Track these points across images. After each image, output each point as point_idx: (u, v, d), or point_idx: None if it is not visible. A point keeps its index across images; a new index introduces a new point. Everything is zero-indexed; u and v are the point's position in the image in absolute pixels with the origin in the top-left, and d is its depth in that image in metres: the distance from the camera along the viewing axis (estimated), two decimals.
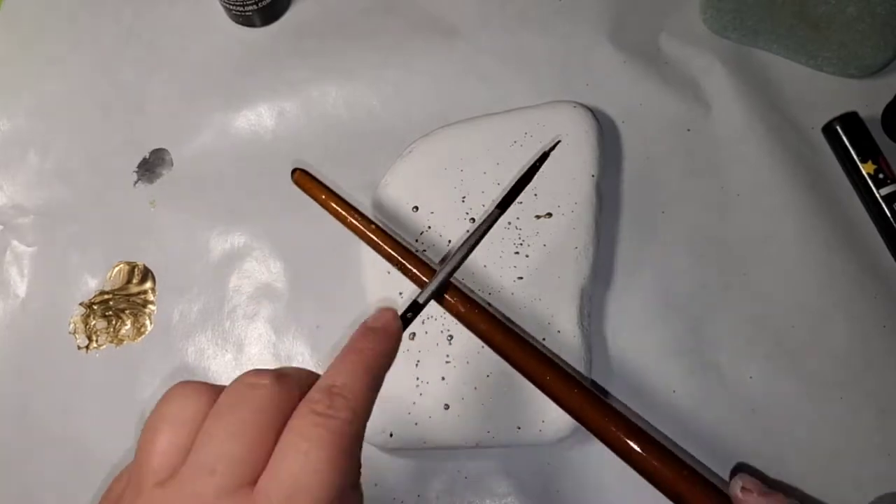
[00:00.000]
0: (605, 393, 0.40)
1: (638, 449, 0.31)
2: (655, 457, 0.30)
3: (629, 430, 0.31)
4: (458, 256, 0.32)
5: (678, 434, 0.39)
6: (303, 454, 0.20)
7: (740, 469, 0.38)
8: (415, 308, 0.29)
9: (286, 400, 0.21)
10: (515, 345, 0.33)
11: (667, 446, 0.31)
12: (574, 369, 0.37)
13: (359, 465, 0.23)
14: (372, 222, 0.38)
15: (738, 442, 0.39)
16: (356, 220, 0.38)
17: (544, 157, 0.35)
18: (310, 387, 0.22)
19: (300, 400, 0.21)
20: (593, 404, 0.32)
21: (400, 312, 0.28)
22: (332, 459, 0.20)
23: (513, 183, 0.34)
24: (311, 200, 0.46)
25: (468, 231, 0.34)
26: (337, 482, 0.20)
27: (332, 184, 0.41)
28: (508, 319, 0.38)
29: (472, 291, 0.40)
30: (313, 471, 0.19)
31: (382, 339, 0.25)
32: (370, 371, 0.23)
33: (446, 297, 0.34)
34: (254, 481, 0.20)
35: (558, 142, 0.38)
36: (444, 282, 0.32)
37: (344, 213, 0.39)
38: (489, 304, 0.38)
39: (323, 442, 0.20)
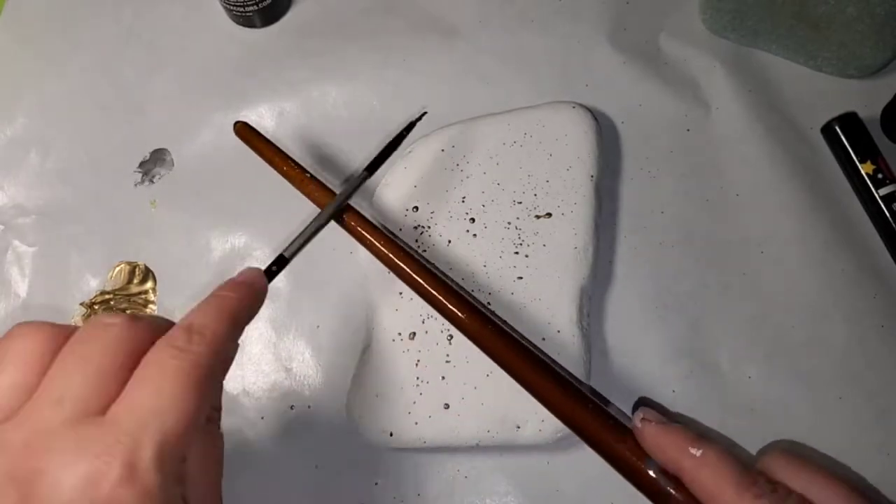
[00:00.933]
0: (602, 397, 0.40)
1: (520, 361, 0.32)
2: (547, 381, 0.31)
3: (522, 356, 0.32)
4: (326, 215, 0.34)
5: None
6: (156, 383, 0.20)
7: (642, 403, 0.39)
8: (280, 262, 0.30)
9: (140, 339, 0.21)
10: (431, 284, 0.34)
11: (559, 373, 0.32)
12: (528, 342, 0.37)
13: (217, 405, 0.23)
14: (307, 172, 0.39)
15: (738, 442, 0.39)
16: (292, 169, 0.39)
17: (411, 125, 0.38)
18: (166, 332, 0.22)
19: (154, 343, 0.22)
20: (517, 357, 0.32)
21: (264, 267, 0.29)
22: (187, 390, 0.20)
23: (381, 149, 0.37)
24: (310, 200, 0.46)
25: (337, 192, 0.36)
26: (190, 413, 0.20)
27: (330, 182, 0.41)
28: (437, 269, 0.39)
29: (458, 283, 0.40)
30: (166, 399, 0.19)
31: (245, 290, 0.26)
32: (230, 315, 0.24)
33: (368, 236, 0.36)
34: (105, 408, 0.19)
35: (425, 113, 0.40)
36: (309, 237, 0.33)
37: (281, 163, 0.39)
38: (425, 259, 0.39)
39: (178, 372, 0.20)
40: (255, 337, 0.44)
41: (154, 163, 0.48)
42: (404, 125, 0.38)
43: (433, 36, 0.48)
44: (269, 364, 0.43)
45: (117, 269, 0.46)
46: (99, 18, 0.51)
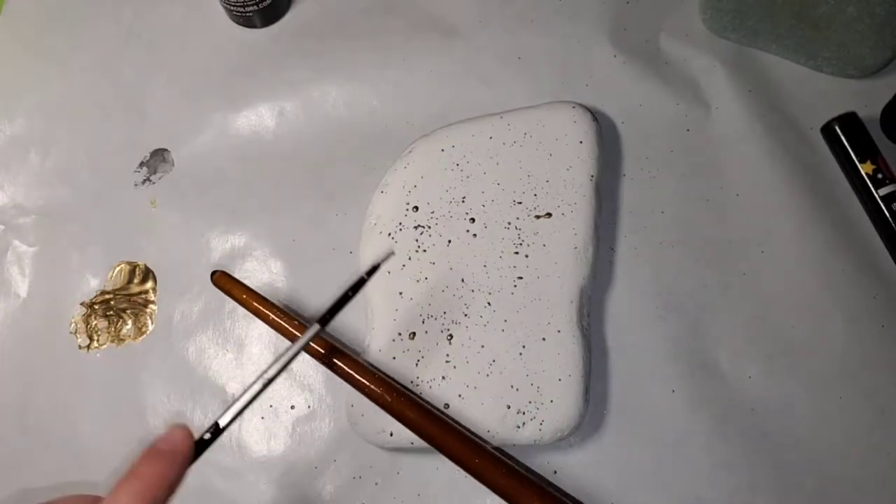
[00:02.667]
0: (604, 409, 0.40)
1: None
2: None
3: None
4: (263, 380, 0.29)
5: (678, 434, 0.39)
6: None
7: None
8: (215, 431, 0.27)
9: None
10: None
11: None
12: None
13: None
14: (294, 320, 0.39)
15: (738, 442, 0.39)
16: (279, 318, 0.39)
17: (374, 269, 0.33)
18: None
19: None
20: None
21: (198, 436, 0.26)
22: None
23: (336, 298, 0.32)
24: (311, 199, 0.46)
25: (284, 351, 0.30)
26: None
27: (326, 190, 0.41)
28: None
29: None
30: None
31: (167, 464, 0.24)
32: (146, 497, 0.23)
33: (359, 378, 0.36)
34: None
35: (392, 254, 0.35)
36: (247, 404, 0.28)
37: (266, 311, 0.39)
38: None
39: None
40: (255, 337, 0.44)
41: (154, 163, 0.48)
42: (368, 268, 0.33)
43: (433, 36, 0.48)
44: (268, 364, 0.43)
45: (117, 268, 0.46)
46: (99, 18, 0.51)
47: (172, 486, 0.24)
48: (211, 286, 0.45)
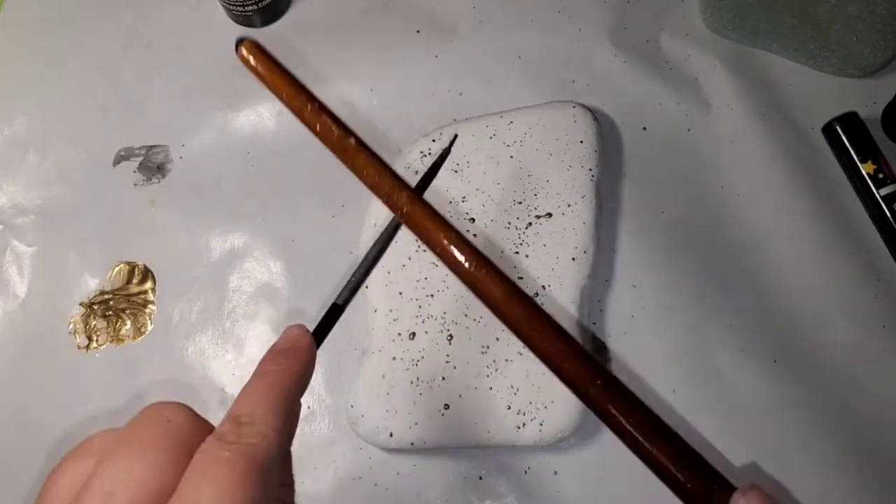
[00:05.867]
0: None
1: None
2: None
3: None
4: (377, 248, 0.29)
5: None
6: (210, 478, 0.19)
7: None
8: (333, 313, 0.27)
9: (196, 427, 0.21)
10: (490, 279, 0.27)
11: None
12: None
13: (286, 485, 0.22)
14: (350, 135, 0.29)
15: (738, 442, 0.39)
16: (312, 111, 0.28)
17: (446, 152, 0.32)
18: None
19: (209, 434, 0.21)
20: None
21: (314, 326, 0.26)
22: (241, 484, 0.19)
23: (423, 174, 0.31)
24: (311, 199, 0.46)
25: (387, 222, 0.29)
26: None
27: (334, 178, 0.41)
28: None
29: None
30: (222, 496, 0.18)
31: (291, 359, 0.24)
32: (279, 394, 0.22)
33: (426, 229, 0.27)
34: None
35: (455, 136, 0.36)
36: (361, 279, 0.28)
37: (299, 102, 0.28)
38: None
39: (231, 466, 0.19)
40: (255, 337, 0.44)
41: (153, 163, 0.47)
42: (446, 145, 0.32)
43: (433, 36, 0.48)
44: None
45: (117, 269, 0.46)
46: (98, 19, 0.51)
47: (301, 379, 0.24)
48: (210, 286, 0.45)
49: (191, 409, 0.22)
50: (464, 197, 0.42)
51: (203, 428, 0.21)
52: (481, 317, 0.39)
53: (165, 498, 0.19)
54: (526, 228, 0.41)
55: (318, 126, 0.27)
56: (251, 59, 0.28)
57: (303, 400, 0.42)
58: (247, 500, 0.19)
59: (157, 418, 0.21)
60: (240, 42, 0.27)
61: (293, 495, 0.23)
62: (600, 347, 0.41)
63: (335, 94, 0.48)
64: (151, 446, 0.20)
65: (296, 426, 0.23)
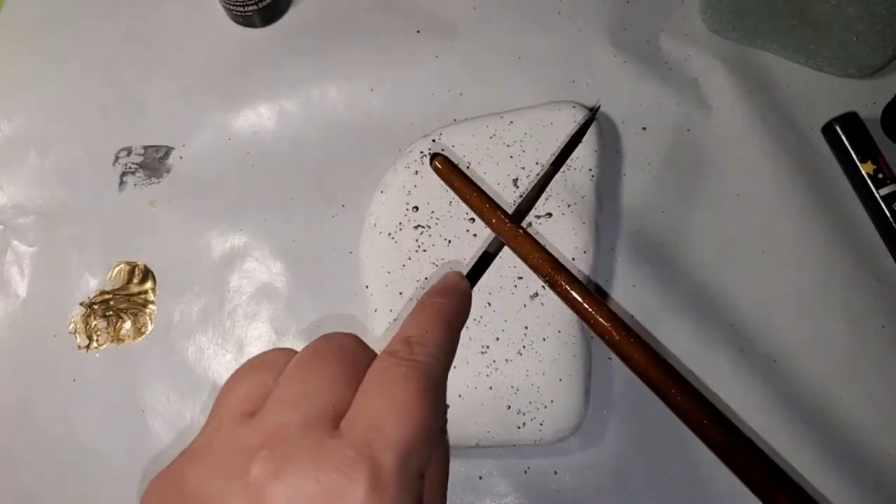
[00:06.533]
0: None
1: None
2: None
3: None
4: (528, 198, 0.33)
5: (678, 434, 0.39)
6: (388, 392, 0.19)
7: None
8: (484, 259, 0.30)
9: (365, 352, 0.22)
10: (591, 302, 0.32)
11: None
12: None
13: (443, 412, 0.23)
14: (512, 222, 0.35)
15: None
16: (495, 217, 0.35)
17: (588, 122, 0.36)
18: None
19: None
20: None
21: (466, 272, 0.28)
22: (419, 399, 0.20)
23: (563, 145, 0.36)
24: (311, 199, 0.46)
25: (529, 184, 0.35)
26: (424, 420, 0.19)
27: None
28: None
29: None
30: (401, 408, 0.19)
31: (453, 295, 0.25)
32: (445, 320, 0.24)
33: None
34: (337, 419, 0.19)
35: (599, 107, 0.38)
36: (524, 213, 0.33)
37: (481, 208, 0.36)
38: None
39: (407, 382, 0.20)
40: (255, 337, 0.44)
41: (153, 163, 0.47)
42: (578, 125, 0.36)
43: (433, 36, 0.48)
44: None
45: (117, 268, 0.46)
46: (98, 18, 0.51)
47: (462, 312, 0.25)
48: (211, 286, 0.45)
49: (360, 339, 0.22)
50: None
51: (373, 355, 0.22)
52: (481, 317, 0.39)
53: (344, 410, 0.20)
54: (526, 228, 0.41)
55: (493, 220, 0.33)
56: (443, 170, 0.37)
57: None
58: (424, 414, 0.19)
59: (331, 342, 0.22)
60: (434, 157, 0.36)
61: (446, 423, 0.23)
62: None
63: (335, 94, 0.48)
64: (328, 364, 0.21)
65: (454, 355, 0.23)
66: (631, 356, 0.30)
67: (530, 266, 0.33)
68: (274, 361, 0.21)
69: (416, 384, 0.20)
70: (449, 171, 0.37)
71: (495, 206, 0.35)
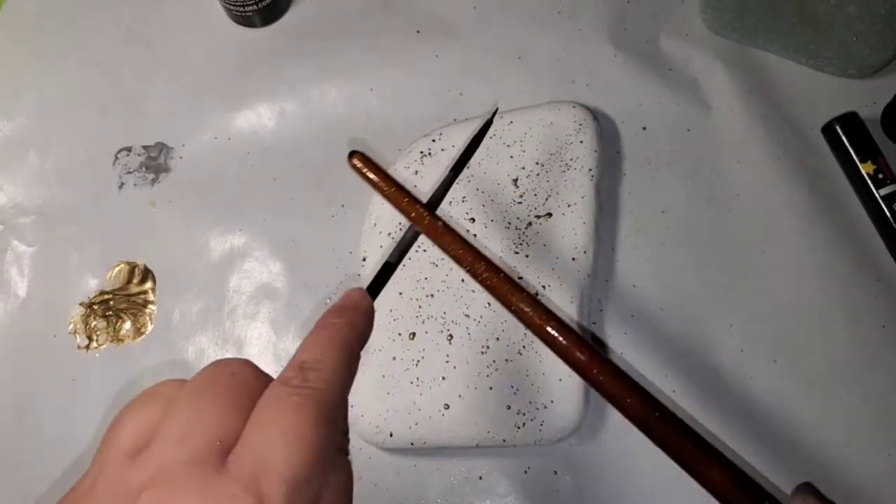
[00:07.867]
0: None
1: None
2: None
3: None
4: (439, 190, 0.32)
5: None
6: (277, 423, 0.19)
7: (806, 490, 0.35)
8: (385, 270, 0.28)
9: (259, 380, 0.21)
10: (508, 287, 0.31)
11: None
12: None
13: (343, 433, 0.22)
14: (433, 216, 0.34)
15: (739, 443, 0.39)
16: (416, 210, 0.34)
17: (488, 124, 0.35)
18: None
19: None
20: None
21: (367, 286, 0.27)
22: (309, 428, 0.19)
23: (463, 148, 0.34)
24: (311, 199, 0.46)
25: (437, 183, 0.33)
26: (316, 449, 0.19)
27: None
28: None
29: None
30: (289, 439, 0.19)
31: (353, 314, 0.24)
32: (342, 344, 0.23)
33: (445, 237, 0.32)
34: (225, 454, 0.19)
35: (496, 109, 0.37)
36: (409, 240, 0.31)
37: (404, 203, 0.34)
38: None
39: (298, 411, 0.19)
40: (255, 337, 0.44)
41: (153, 163, 0.47)
42: (479, 125, 0.35)
43: (433, 35, 0.48)
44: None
45: (117, 269, 0.46)
46: (98, 18, 0.51)
47: (362, 333, 0.24)
48: (210, 286, 0.45)
49: (254, 365, 0.22)
50: (464, 197, 0.42)
51: (267, 382, 0.21)
52: (481, 317, 0.39)
53: (232, 444, 0.19)
54: (526, 228, 0.41)
55: (412, 214, 0.33)
56: (363, 168, 0.36)
57: None
58: (316, 443, 0.19)
59: (223, 371, 0.21)
60: (352, 154, 0.34)
61: (348, 443, 0.23)
62: (600, 347, 0.41)
63: (335, 94, 0.48)
64: (219, 395, 0.20)
65: (354, 378, 0.23)
66: (550, 339, 0.31)
67: (451, 257, 0.32)
68: (163, 394, 0.21)
69: (308, 413, 0.19)
70: (368, 168, 0.36)
71: (414, 200, 0.33)
